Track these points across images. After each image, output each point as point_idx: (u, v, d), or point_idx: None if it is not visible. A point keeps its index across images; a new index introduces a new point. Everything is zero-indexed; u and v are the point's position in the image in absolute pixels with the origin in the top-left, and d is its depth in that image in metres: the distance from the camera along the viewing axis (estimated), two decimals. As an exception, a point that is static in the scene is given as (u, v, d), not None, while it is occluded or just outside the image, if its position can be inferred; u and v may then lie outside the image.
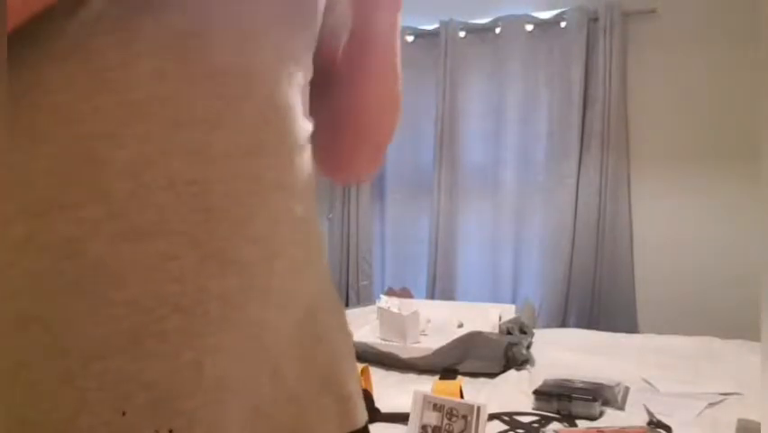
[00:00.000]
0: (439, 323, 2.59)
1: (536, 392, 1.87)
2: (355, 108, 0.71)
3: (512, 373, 2.16)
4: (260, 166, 0.53)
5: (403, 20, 0.70)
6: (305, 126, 0.60)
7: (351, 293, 3.75)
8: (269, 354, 0.54)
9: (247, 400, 0.52)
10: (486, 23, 3.54)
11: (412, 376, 2.16)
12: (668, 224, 3.28)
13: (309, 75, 0.63)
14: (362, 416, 0.64)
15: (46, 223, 0.45)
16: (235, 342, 0.51)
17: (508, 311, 2.76)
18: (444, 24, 3.56)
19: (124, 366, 0.46)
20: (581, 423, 1.75)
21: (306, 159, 0.60)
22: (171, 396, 0.48)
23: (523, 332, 2.49)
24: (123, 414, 0.46)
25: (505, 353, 2.20)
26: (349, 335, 0.68)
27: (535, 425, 1.74)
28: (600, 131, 3.31)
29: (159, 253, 0.47)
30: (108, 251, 0.46)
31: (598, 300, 3.31)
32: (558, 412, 1.80)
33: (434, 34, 3.58)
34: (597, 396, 1.82)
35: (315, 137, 0.64)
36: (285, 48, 0.58)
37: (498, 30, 3.51)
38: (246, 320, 0.52)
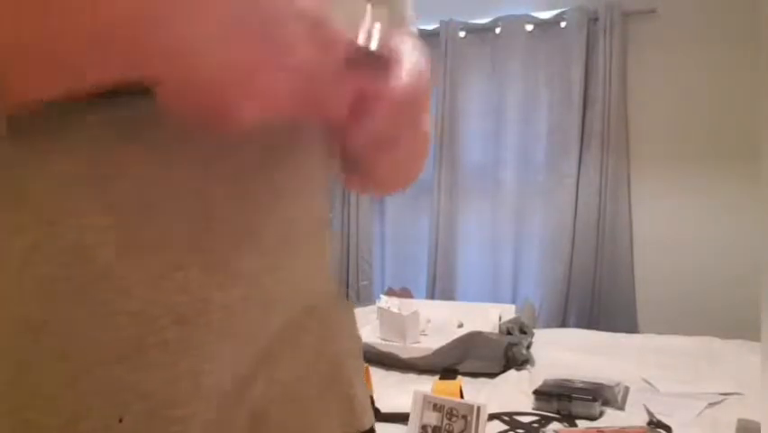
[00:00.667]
0: (439, 323, 2.59)
1: (536, 392, 1.88)
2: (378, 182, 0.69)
3: (512, 373, 2.16)
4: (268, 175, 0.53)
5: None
6: (316, 131, 0.60)
7: (351, 293, 3.76)
8: (266, 357, 0.54)
9: (243, 402, 0.52)
10: (486, 23, 3.54)
11: (412, 376, 2.16)
12: (668, 224, 3.28)
13: None
14: (369, 418, 0.64)
15: (55, 230, 0.45)
16: (233, 348, 0.51)
17: (508, 311, 2.76)
18: (444, 24, 3.56)
19: (124, 375, 0.46)
20: (581, 423, 1.75)
21: (317, 161, 0.59)
22: (167, 405, 0.48)
23: (523, 332, 2.49)
24: (120, 421, 0.47)
25: (505, 353, 2.20)
26: (357, 337, 0.67)
27: (535, 425, 1.74)
28: (600, 131, 3.31)
29: (165, 263, 0.47)
30: (115, 260, 0.46)
31: (598, 300, 3.31)
32: (558, 412, 1.81)
33: (434, 34, 3.58)
34: (597, 396, 1.82)
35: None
36: None
37: (498, 30, 3.52)
38: (246, 327, 0.51)
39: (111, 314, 0.46)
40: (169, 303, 0.47)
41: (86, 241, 0.46)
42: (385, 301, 2.77)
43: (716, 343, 2.54)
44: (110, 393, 0.46)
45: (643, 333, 3.00)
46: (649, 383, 2.06)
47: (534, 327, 2.71)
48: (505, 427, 1.72)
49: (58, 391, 0.46)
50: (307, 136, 0.57)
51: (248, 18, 0.39)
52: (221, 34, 0.39)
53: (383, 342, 2.38)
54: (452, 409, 1.53)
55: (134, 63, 0.40)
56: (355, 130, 0.47)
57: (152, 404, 0.47)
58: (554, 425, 1.74)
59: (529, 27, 3.47)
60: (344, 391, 0.61)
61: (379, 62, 0.47)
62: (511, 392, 1.98)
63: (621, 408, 1.85)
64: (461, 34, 3.59)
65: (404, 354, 2.24)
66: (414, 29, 0.72)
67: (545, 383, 1.93)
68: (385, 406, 1.76)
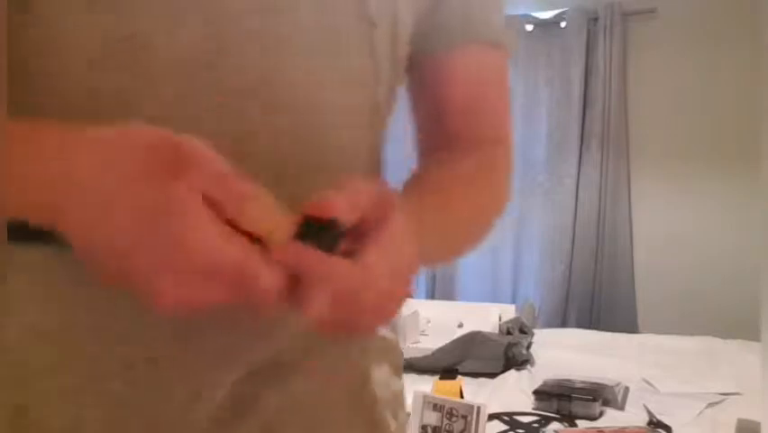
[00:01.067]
0: (439, 323, 2.59)
1: (536, 392, 1.88)
2: None
3: (512, 372, 2.16)
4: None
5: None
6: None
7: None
8: (279, 370, 0.51)
9: (251, 417, 0.50)
10: (486, 23, 3.53)
11: (412, 376, 2.16)
12: (668, 223, 3.28)
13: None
14: None
15: (61, 250, 0.46)
16: (236, 369, 0.49)
17: (508, 311, 2.76)
18: (444, 24, 3.55)
19: (118, 390, 0.47)
20: (581, 423, 1.75)
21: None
22: (163, 423, 0.47)
23: (523, 332, 2.49)
24: None
25: (505, 353, 2.20)
26: (393, 352, 0.62)
27: (535, 425, 1.74)
28: (600, 131, 3.31)
29: None
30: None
31: (598, 300, 3.31)
32: (558, 412, 1.81)
33: (433, 34, 3.57)
34: (597, 396, 1.82)
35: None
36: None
37: (497, 30, 3.51)
38: (251, 349, 0.49)
39: (105, 330, 0.46)
40: (158, 323, 0.46)
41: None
42: (385, 301, 2.76)
43: (716, 343, 2.54)
44: (106, 407, 0.47)
45: (643, 333, 3.00)
46: (649, 383, 2.06)
47: (533, 327, 2.71)
48: (505, 427, 1.72)
49: (59, 400, 0.46)
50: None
51: (157, 218, 0.36)
52: (130, 233, 0.36)
53: (383, 342, 2.38)
54: (452, 410, 1.53)
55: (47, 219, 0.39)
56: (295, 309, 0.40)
57: (148, 421, 0.47)
58: (554, 425, 1.74)
59: (529, 27, 3.46)
60: (367, 409, 0.57)
61: (327, 245, 0.39)
62: (511, 392, 1.98)
63: (621, 408, 1.85)
64: (461, 34, 3.58)
65: (404, 355, 2.23)
66: (501, 45, 0.64)
67: (545, 383, 1.93)
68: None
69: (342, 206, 0.39)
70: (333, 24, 0.50)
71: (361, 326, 0.44)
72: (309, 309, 0.39)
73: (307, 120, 0.48)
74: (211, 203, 0.36)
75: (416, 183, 0.59)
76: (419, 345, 2.36)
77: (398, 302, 0.45)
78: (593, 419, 1.77)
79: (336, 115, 0.51)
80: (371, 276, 0.40)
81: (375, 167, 0.58)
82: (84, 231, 0.38)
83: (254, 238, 0.37)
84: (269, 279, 0.37)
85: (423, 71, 0.62)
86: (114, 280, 0.38)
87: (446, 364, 2.15)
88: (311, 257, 0.38)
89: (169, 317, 0.46)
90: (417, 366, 2.20)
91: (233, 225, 0.37)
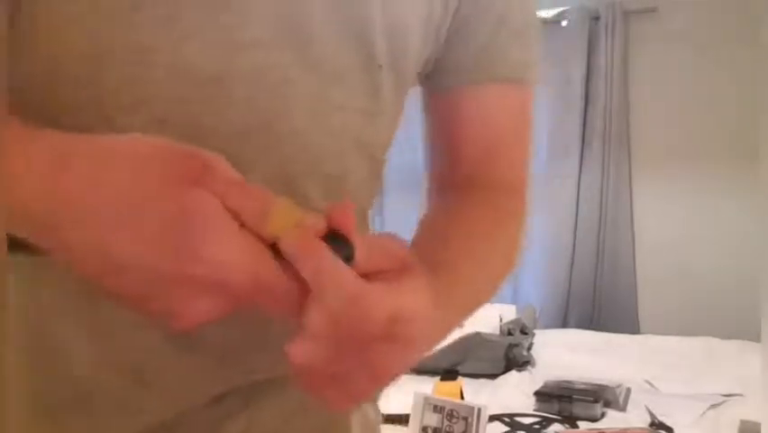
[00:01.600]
0: (439, 323, 2.58)
1: (537, 394, 1.87)
2: None
3: (513, 373, 2.15)
4: None
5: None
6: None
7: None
8: (249, 396, 0.51)
9: None
10: (486, 22, 3.53)
11: (412, 377, 2.15)
12: (669, 223, 3.27)
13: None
14: None
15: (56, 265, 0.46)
16: (204, 396, 0.49)
17: (509, 312, 2.76)
18: (445, 23, 3.55)
19: (79, 419, 0.47)
20: (583, 424, 1.75)
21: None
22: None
23: (524, 333, 2.49)
24: None
25: (505, 354, 2.19)
26: None
27: (536, 426, 1.73)
28: (601, 130, 3.30)
29: (130, 320, 0.45)
30: (91, 305, 0.45)
31: (600, 301, 3.30)
32: (559, 413, 1.80)
33: (434, 33, 3.57)
34: (598, 397, 1.81)
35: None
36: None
37: (498, 29, 3.50)
38: (216, 379, 0.49)
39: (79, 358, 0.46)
40: (125, 361, 0.46)
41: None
42: (385, 301, 2.76)
43: (717, 343, 2.54)
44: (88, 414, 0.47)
45: (644, 333, 2.99)
46: (650, 384, 2.06)
47: (534, 328, 2.70)
48: (506, 428, 1.71)
49: (64, 410, 0.47)
50: None
51: (169, 235, 0.34)
52: (143, 249, 0.35)
53: (383, 342, 2.37)
54: (452, 411, 1.52)
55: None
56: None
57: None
58: (555, 426, 1.73)
59: (530, 26, 3.45)
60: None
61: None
62: (512, 394, 1.97)
63: (622, 409, 1.85)
64: (462, 33, 3.57)
65: (404, 355, 2.23)
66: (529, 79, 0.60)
67: (546, 384, 1.93)
68: (385, 407, 1.75)
69: (354, 219, 0.38)
70: (338, 65, 0.48)
71: (355, 375, 0.41)
72: (309, 318, 0.37)
73: (302, 158, 0.48)
74: (230, 210, 0.35)
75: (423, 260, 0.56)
76: (419, 346, 2.35)
77: (396, 351, 0.42)
78: (594, 420, 1.76)
79: (333, 155, 0.50)
80: (370, 299, 0.38)
81: (370, 197, 0.57)
82: (95, 246, 0.35)
83: (274, 245, 0.36)
84: (283, 289, 0.36)
85: (437, 107, 0.60)
86: (121, 293, 0.37)
87: (447, 365, 2.14)
88: (323, 252, 0.36)
89: (128, 346, 0.46)
90: (417, 367, 2.19)
91: (252, 231, 0.36)
